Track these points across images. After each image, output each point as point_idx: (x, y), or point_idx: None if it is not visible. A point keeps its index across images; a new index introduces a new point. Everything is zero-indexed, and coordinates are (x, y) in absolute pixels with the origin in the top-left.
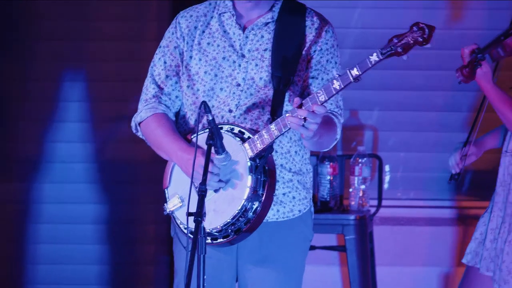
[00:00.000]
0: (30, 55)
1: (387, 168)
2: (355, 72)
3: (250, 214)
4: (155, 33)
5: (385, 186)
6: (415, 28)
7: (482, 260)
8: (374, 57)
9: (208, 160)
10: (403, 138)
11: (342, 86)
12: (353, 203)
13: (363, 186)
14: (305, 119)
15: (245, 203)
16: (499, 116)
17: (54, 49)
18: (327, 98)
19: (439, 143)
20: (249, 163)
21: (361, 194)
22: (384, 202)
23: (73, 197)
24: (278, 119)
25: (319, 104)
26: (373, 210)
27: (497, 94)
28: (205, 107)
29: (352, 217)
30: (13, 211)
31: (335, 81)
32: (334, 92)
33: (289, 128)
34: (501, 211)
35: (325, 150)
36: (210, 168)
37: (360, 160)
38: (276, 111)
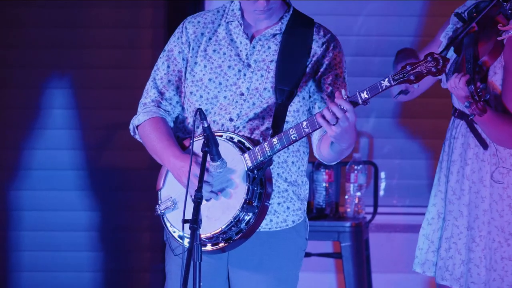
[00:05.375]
0: (23, 63)
1: (382, 175)
2: (364, 95)
3: (243, 225)
4: (150, 41)
5: (381, 193)
6: (429, 58)
7: (437, 269)
8: (385, 83)
9: (203, 167)
10: (398, 145)
11: None
12: (348, 210)
13: (358, 193)
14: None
15: (239, 213)
16: (489, 134)
17: (49, 56)
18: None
19: (434, 150)
20: (246, 174)
21: (356, 201)
22: (379, 209)
23: (68, 204)
24: (281, 133)
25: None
26: (368, 217)
27: (494, 116)
28: (200, 114)
29: (347, 224)
30: (8, 218)
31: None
32: None
33: (291, 144)
34: (456, 220)
35: (345, 156)
36: (205, 177)
37: (355, 167)
38: (277, 124)
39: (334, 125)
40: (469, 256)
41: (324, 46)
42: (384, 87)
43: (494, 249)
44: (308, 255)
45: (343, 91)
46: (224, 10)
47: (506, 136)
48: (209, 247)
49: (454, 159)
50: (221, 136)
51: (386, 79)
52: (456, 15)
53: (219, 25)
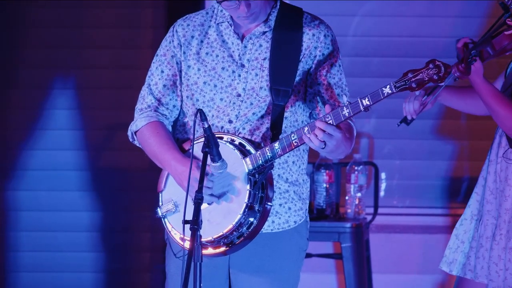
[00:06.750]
0: (23, 63)
1: (383, 175)
2: (366, 102)
3: (244, 229)
4: (151, 41)
5: (381, 193)
6: (431, 66)
7: (480, 269)
8: (387, 90)
9: (204, 167)
10: (398, 146)
11: (352, 114)
12: (349, 210)
13: (359, 194)
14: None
15: (241, 218)
16: (490, 113)
17: (49, 56)
18: (334, 124)
19: (435, 151)
20: (248, 178)
21: (357, 202)
22: (380, 210)
23: (69, 205)
24: (282, 137)
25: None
26: (369, 217)
27: (489, 90)
28: (201, 115)
29: (348, 225)
30: (8, 218)
31: (345, 108)
32: (343, 119)
33: (293, 149)
34: (495, 219)
35: (343, 156)
36: (205, 182)
37: (356, 168)
38: (276, 125)
39: (323, 148)
40: (490, 254)
41: (315, 37)
42: (385, 94)
43: (510, 248)
44: (308, 255)
45: (326, 107)
46: (213, 11)
47: (510, 122)
48: (210, 250)
49: (492, 159)
50: (221, 138)
51: (388, 86)
52: (501, 4)
53: (209, 26)
